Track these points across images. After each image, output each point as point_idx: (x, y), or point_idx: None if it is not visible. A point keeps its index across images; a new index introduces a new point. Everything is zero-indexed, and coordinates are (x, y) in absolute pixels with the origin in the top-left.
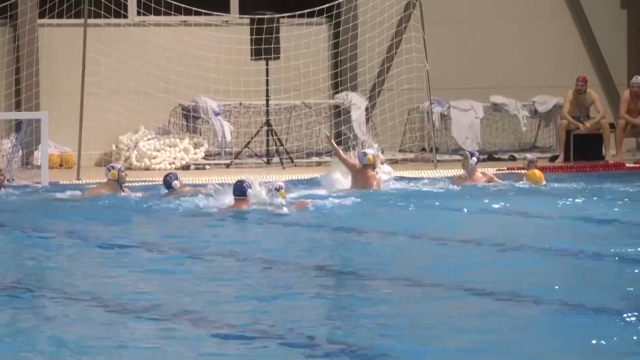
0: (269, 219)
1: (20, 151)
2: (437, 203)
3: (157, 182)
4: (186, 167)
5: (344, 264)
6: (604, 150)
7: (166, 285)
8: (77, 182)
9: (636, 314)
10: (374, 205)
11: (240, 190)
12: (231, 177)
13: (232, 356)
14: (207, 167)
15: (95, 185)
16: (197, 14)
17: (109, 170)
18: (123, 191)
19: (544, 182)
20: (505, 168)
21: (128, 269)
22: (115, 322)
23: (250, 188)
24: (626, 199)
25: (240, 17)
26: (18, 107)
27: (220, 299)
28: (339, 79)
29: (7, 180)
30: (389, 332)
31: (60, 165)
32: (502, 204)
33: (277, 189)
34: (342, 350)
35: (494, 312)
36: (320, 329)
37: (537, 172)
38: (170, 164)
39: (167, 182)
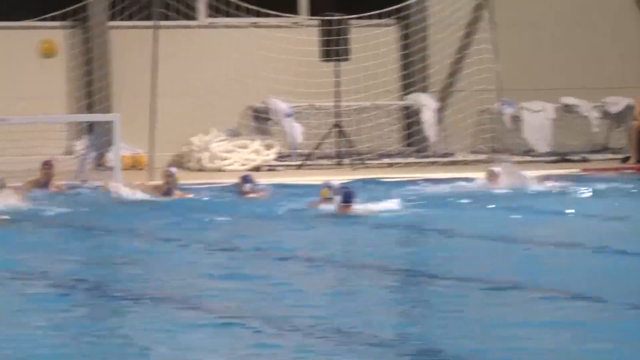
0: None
1: (93, 153)
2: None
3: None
4: (257, 169)
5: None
6: None
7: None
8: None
9: None
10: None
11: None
12: (302, 179)
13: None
14: (279, 168)
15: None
16: (267, 15)
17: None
18: (174, 194)
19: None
20: (580, 169)
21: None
22: None
23: None
24: None
25: (309, 19)
26: (90, 109)
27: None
28: (409, 80)
29: (81, 181)
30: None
31: (133, 167)
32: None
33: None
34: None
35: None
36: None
37: None
38: (241, 166)
39: (243, 183)
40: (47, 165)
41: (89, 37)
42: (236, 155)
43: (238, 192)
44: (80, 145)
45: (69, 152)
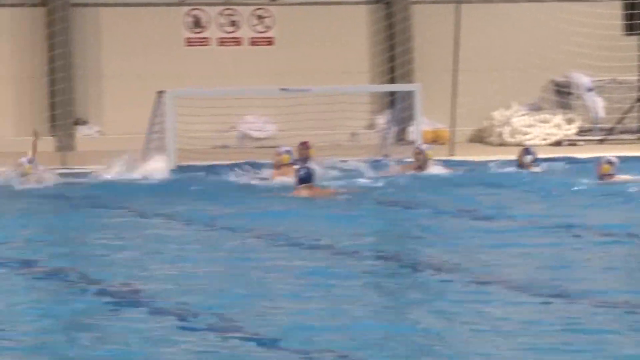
0: None
1: (395, 127)
2: None
3: None
4: (558, 143)
5: None
6: None
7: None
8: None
9: None
10: None
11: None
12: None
13: None
14: (581, 143)
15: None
16: None
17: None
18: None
19: None
20: None
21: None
22: None
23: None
24: None
25: None
26: (393, 83)
27: None
28: None
29: (383, 156)
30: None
31: (434, 142)
32: None
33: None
34: None
35: None
36: None
37: None
38: (542, 140)
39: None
40: (304, 145)
41: (391, 13)
42: (537, 130)
43: (518, 165)
44: (382, 119)
45: (371, 126)
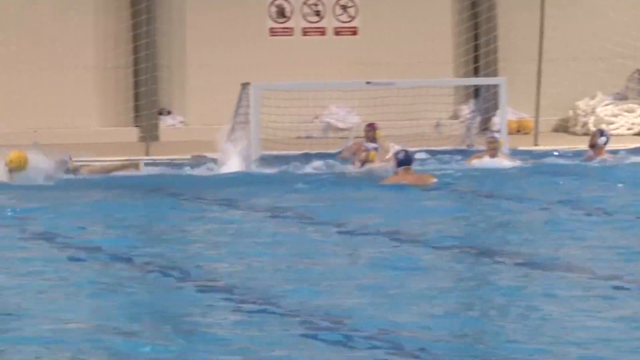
0: None
1: (479, 117)
2: None
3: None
4: None
5: None
6: None
7: None
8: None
9: None
10: None
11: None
12: None
13: None
14: None
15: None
16: None
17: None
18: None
19: None
20: None
21: None
22: None
23: None
24: None
25: None
26: (476, 73)
27: None
28: None
29: (467, 146)
30: None
31: (518, 131)
32: None
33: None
34: None
35: None
36: None
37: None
38: (627, 130)
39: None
40: (371, 127)
41: (475, 2)
42: (622, 119)
43: (590, 145)
44: (466, 109)
45: (455, 116)
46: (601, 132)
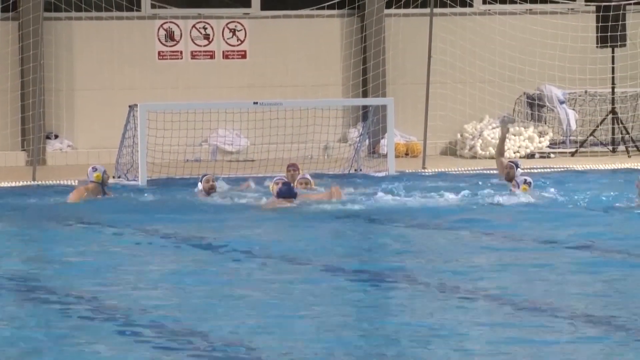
0: None
1: (367, 140)
2: None
3: None
4: (531, 156)
5: None
6: None
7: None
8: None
9: None
10: None
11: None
12: (576, 166)
13: None
14: (552, 155)
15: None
16: (543, 1)
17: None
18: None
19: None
20: None
21: None
22: None
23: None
24: None
25: (586, 5)
26: (365, 96)
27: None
28: None
29: (355, 170)
30: None
31: (406, 154)
32: None
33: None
34: None
35: None
36: None
37: None
38: (514, 153)
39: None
40: (293, 167)
41: (364, 26)
42: (509, 143)
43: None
44: (355, 132)
45: (344, 139)
46: (516, 165)
